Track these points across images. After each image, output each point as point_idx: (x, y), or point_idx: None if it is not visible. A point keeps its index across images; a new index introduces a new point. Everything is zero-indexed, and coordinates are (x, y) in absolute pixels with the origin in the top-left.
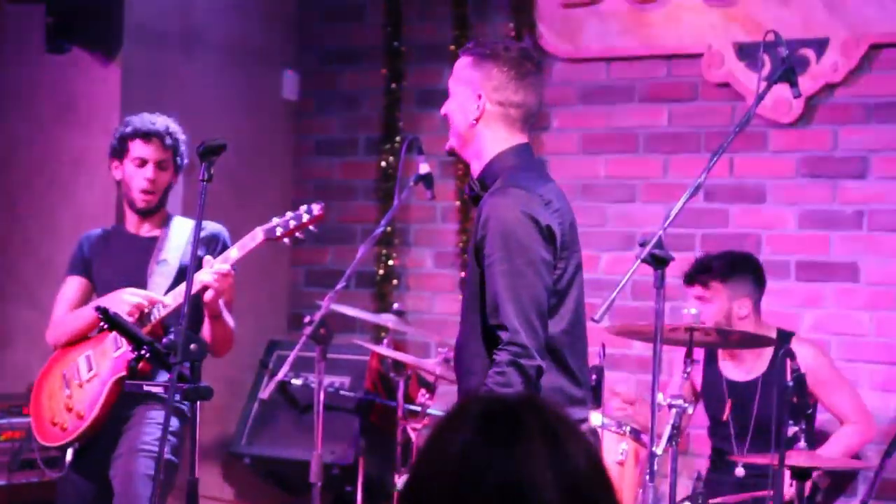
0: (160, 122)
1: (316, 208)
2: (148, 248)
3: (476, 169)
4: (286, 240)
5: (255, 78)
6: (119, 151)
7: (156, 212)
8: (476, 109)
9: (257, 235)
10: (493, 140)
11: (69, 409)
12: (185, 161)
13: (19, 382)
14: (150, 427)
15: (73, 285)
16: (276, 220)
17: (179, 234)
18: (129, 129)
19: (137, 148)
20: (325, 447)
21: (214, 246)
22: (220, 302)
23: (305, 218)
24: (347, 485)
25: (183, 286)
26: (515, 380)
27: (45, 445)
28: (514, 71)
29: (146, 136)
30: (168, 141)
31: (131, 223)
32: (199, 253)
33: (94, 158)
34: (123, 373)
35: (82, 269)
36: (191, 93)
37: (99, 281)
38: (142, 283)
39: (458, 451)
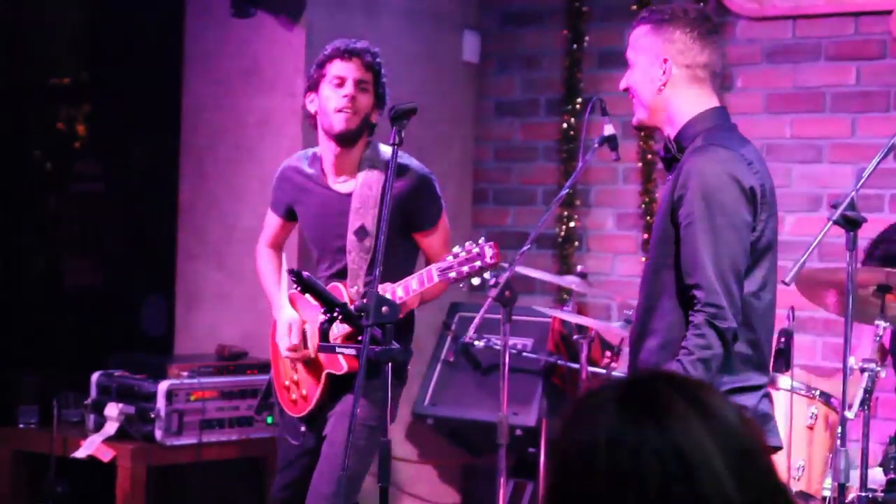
0: (362, 43)
1: (489, 253)
2: (343, 209)
3: (670, 134)
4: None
5: (435, 40)
6: (315, 80)
7: (354, 142)
8: (662, 75)
9: (433, 276)
10: (684, 103)
11: (297, 386)
12: (387, 97)
13: (207, 343)
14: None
15: (273, 221)
16: (449, 261)
17: (374, 184)
18: (327, 51)
19: (335, 67)
20: (508, 409)
21: (418, 203)
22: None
23: (478, 265)
24: (530, 446)
25: None
26: (715, 342)
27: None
28: (696, 31)
29: (346, 54)
30: (369, 60)
31: (328, 170)
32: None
33: (278, 121)
34: (332, 371)
35: (281, 211)
36: None
37: (307, 236)
38: (342, 254)
39: (607, 436)
